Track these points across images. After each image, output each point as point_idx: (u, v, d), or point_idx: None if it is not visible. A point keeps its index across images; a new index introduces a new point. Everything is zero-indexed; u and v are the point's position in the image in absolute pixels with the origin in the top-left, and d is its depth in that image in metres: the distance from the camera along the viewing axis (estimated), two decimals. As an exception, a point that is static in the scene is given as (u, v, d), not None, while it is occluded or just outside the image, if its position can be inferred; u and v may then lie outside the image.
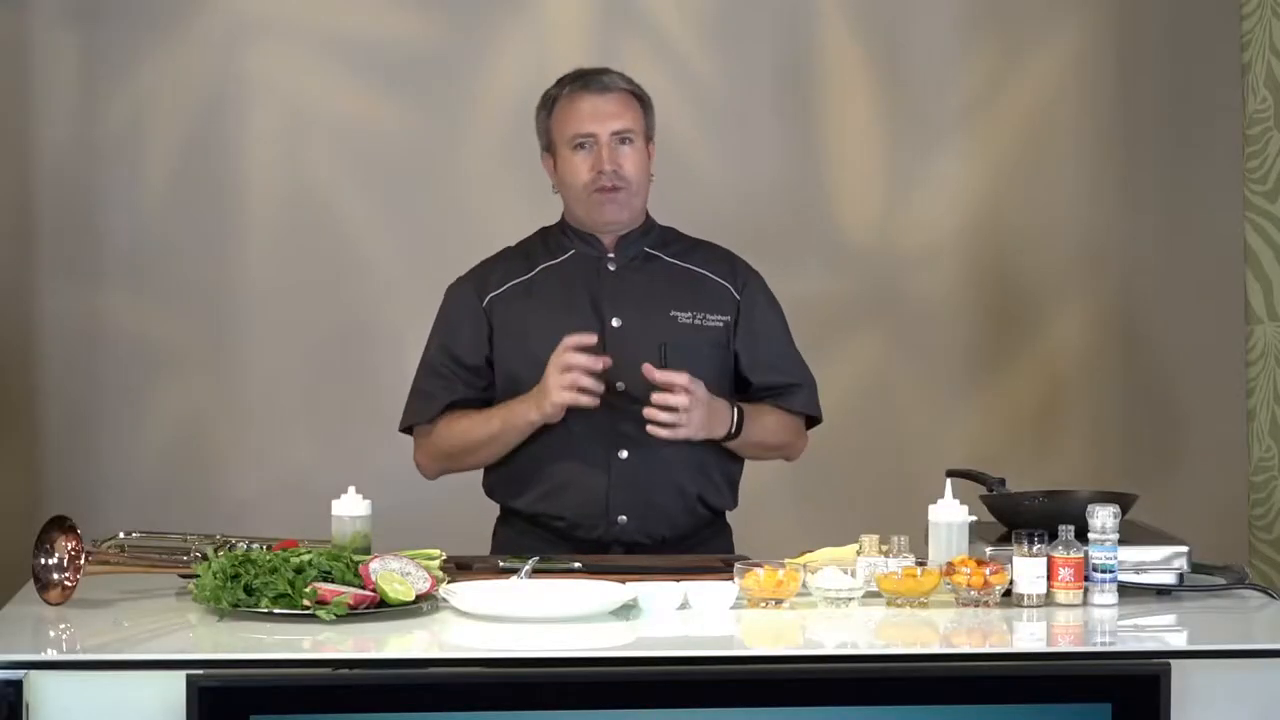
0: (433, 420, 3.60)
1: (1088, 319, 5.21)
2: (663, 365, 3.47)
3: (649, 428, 3.43)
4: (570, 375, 3.41)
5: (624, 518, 3.53)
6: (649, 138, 3.62)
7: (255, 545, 3.20)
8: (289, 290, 5.02)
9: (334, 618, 2.86)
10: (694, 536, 3.60)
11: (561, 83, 3.62)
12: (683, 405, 3.42)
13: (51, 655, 2.75)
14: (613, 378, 3.51)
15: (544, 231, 3.69)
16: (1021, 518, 3.24)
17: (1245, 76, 4.34)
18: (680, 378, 3.42)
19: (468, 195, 5.06)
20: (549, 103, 3.61)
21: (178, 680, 2.61)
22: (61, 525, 3.02)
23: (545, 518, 3.56)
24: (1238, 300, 4.44)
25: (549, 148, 3.62)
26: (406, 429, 3.67)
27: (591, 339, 3.44)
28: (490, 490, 3.67)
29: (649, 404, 3.44)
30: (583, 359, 3.42)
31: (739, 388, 3.63)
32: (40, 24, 4.94)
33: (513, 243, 3.74)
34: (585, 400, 3.42)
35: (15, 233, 4.95)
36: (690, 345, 3.55)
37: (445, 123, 5.06)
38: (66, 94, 4.96)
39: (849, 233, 5.18)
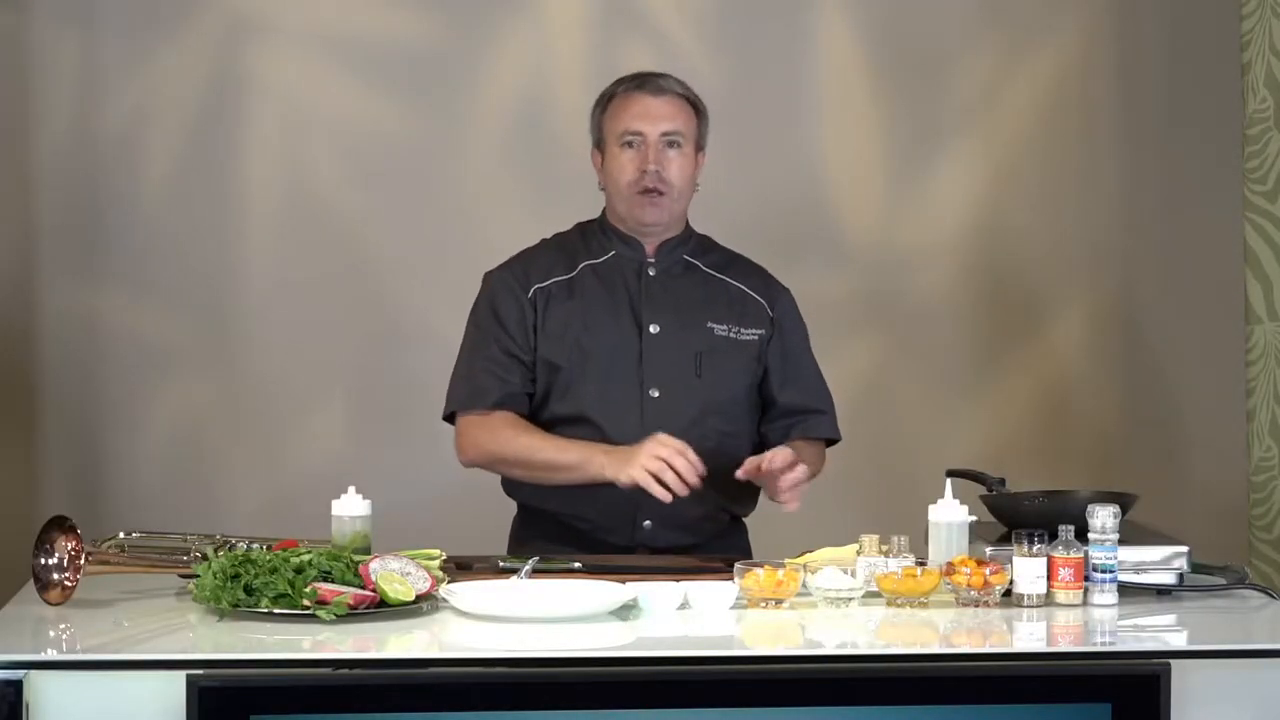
0: (486, 411, 3.56)
1: (1088, 319, 5.21)
2: (698, 375, 3.53)
3: (788, 503, 3.43)
4: (659, 464, 3.36)
5: (649, 523, 3.54)
6: (699, 146, 3.64)
7: (255, 545, 3.20)
8: (289, 290, 5.02)
9: (334, 618, 2.86)
10: (714, 540, 3.61)
11: (620, 82, 3.65)
12: (802, 478, 3.42)
13: (51, 655, 2.74)
14: (647, 384, 3.54)
15: (583, 228, 3.70)
16: (1021, 518, 3.24)
17: (1245, 76, 4.34)
18: (785, 455, 3.41)
19: (468, 195, 5.06)
20: (604, 100, 3.64)
21: (178, 680, 2.61)
22: (61, 525, 3.02)
23: (569, 518, 3.56)
24: (1238, 300, 4.45)
25: (599, 144, 3.64)
26: (449, 416, 3.63)
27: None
28: (512, 490, 3.67)
29: (681, 414, 3.50)
30: (681, 462, 3.37)
31: (763, 405, 3.65)
32: (40, 24, 4.94)
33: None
34: (659, 491, 3.36)
35: (16, 233, 4.95)
36: (725, 357, 3.58)
37: (445, 123, 5.06)
38: (66, 94, 4.96)
39: (849, 233, 5.18)
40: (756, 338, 3.64)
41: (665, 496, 3.36)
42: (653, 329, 3.58)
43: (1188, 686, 2.75)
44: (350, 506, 3.25)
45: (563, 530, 3.57)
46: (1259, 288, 4.34)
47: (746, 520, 3.71)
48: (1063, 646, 2.92)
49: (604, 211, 3.68)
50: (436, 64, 5.06)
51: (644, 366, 3.55)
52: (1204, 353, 5.14)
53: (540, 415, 3.57)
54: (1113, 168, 5.20)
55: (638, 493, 3.43)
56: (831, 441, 3.74)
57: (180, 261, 4.99)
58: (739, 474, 3.44)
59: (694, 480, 3.36)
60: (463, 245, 4.95)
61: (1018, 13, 5.19)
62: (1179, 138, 5.18)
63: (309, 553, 2.99)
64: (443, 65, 5.06)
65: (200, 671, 2.62)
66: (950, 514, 3.18)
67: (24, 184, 4.95)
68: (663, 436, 3.40)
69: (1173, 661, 2.74)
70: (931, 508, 3.20)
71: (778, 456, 3.40)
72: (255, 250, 5.02)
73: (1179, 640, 2.97)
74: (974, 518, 3.22)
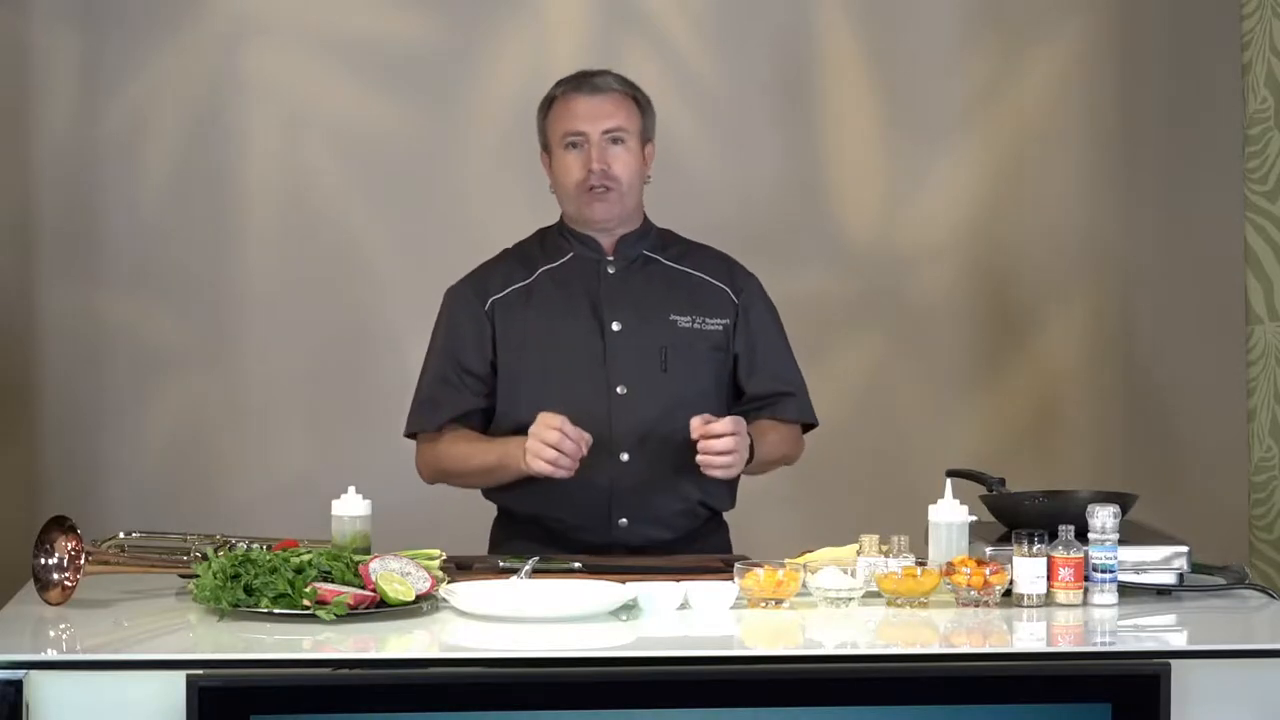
0: (439, 429, 3.60)
1: (1088, 319, 5.21)
2: (664, 370, 3.51)
3: (704, 467, 3.42)
4: (551, 452, 3.39)
5: (624, 520, 3.54)
6: (646, 139, 3.63)
7: (255, 545, 3.20)
8: (289, 290, 5.02)
9: (334, 618, 2.86)
10: (692, 536, 3.60)
11: (559, 84, 3.65)
12: (731, 447, 3.41)
13: (51, 655, 2.75)
14: (613, 382, 3.54)
15: (542, 233, 3.70)
16: (1021, 518, 3.24)
17: (1245, 76, 4.34)
18: (724, 425, 3.42)
19: (467, 195, 5.06)
20: (546, 104, 3.64)
21: (178, 680, 2.61)
22: (61, 525, 3.02)
23: (546, 519, 3.56)
24: (1238, 300, 4.44)
25: (546, 147, 3.64)
26: (411, 435, 3.66)
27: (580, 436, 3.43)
28: (488, 492, 3.67)
29: (649, 410, 3.49)
30: (566, 439, 3.39)
31: (734, 394, 3.64)
32: (40, 24, 4.94)
33: (511, 243, 3.74)
34: (561, 474, 3.39)
35: (15, 233, 4.95)
36: (690, 349, 3.57)
37: (445, 123, 5.06)
38: (66, 94, 4.95)
39: (849, 233, 5.18)
40: (722, 327, 3.62)
41: (565, 474, 3.39)
42: (615, 326, 3.57)
43: (1188, 686, 2.75)
44: (350, 506, 3.25)
45: (539, 530, 3.57)
46: (1259, 288, 4.34)
47: (742, 520, 3.71)
48: (1063, 646, 2.92)
49: (561, 215, 3.68)
50: (436, 64, 5.05)
51: (609, 365, 3.55)
52: (1204, 353, 5.13)
53: (508, 423, 3.56)
54: (1113, 168, 5.20)
55: (611, 491, 3.50)
56: (809, 426, 3.72)
57: (180, 261, 4.99)
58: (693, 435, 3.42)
59: (582, 451, 3.39)
60: (462, 245, 4.92)
61: (1018, 12, 5.18)
62: (1179, 138, 5.18)
63: (309, 553, 2.99)
64: (442, 66, 5.06)
65: (200, 671, 2.62)
66: (950, 514, 3.19)
67: (24, 184, 4.95)
68: (542, 418, 3.40)
69: (1173, 661, 2.75)
70: (931, 508, 3.20)
71: (712, 422, 3.40)
72: (254, 250, 5.02)
73: (1179, 640, 2.97)
74: (974, 518, 3.22)
